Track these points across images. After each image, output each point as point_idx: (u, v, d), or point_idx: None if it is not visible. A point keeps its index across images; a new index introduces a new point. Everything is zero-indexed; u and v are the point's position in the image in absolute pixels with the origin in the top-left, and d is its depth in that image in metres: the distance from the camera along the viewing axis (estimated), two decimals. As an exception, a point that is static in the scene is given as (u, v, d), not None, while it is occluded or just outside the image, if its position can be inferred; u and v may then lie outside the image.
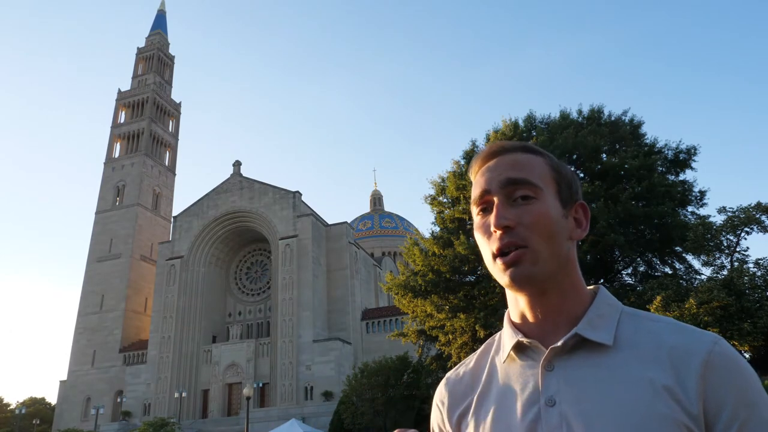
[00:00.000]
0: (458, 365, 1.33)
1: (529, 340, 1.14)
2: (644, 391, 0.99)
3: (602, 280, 27.37)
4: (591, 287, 1.21)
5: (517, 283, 1.11)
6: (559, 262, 1.13)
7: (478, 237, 1.18)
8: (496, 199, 1.15)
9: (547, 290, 1.13)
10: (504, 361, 1.18)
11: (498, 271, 1.13)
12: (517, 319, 1.19)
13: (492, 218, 1.13)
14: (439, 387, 1.33)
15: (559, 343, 1.09)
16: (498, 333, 1.29)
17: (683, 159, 28.73)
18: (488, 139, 29.98)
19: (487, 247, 1.15)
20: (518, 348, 1.16)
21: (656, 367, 1.02)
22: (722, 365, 1.00)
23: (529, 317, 1.16)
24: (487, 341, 1.29)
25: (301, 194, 66.73)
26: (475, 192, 1.21)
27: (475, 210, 1.21)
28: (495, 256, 1.13)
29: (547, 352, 1.10)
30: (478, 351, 1.29)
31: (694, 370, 1.00)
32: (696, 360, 1.00)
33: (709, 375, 0.99)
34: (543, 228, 1.12)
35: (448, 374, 1.33)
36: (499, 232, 1.12)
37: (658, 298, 20.06)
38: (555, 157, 1.26)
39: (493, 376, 1.20)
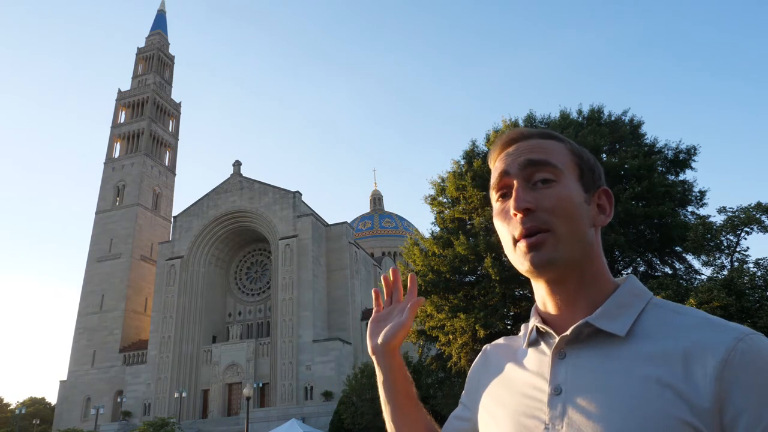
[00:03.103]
0: (504, 338, 1.32)
1: (544, 327, 1.13)
2: (649, 388, 0.94)
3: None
4: (622, 277, 1.16)
5: (538, 268, 1.06)
6: (582, 249, 1.08)
7: (498, 223, 1.15)
8: (515, 182, 1.11)
9: (568, 278, 1.09)
10: (524, 346, 1.19)
11: (518, 256, 1.08)
12: (541, 307, 1.17)
13: (511, 201, 1.09)
14: (481, 352, 1.34)
15: (568, 332, 1.06)
16: None
17: (683, 159, 28.70)
18: (488, 140, 29.98)
19: (507, 232, 1.11)
20: (537, 333, 1.16)
21: (667, 364, 0.95)
22: (745, 363, 0.90)
23: (551, 305, 1.13)
24: (523, 323, 1.26)
25: (301, 194, 66.74)
26: (493, 176, 1.17)
27: (494, 196, 1.17)
28: (516, 240, 1.08)
29: (558, 340, 1.07)
30: (521, 330, 1.27)
31: (710, 368, 0.91)
32: (714, 358, 0.92)
33: (728, 374, 0.90)
34: (564, 212, 1.07)
35: (495, 342, 1.33)
36: (519, 216, 1.07)
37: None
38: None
39: (513, 359, 1.21)
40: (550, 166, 1.11)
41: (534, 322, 1.16)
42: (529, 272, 1.09)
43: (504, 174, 1.14)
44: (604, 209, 1.16)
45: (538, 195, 1.08)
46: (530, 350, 1.17)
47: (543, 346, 1.13)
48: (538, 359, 1.13)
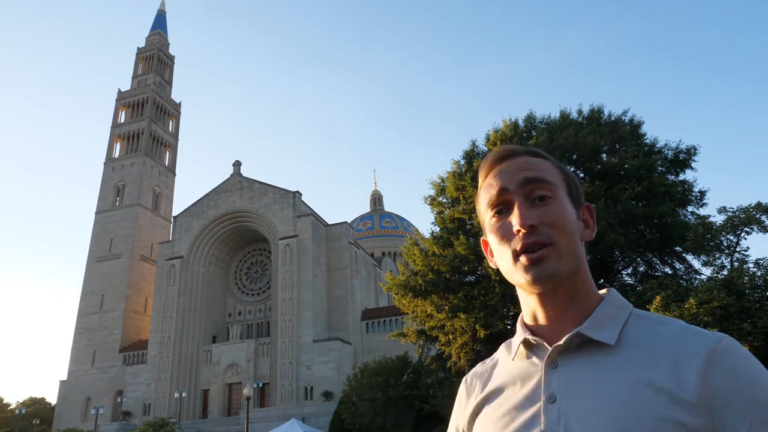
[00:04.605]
0: (480, 364, 1.36)
1: (535, 339, 1.17)
2: (643, 392, 1.00)
3: (602, 280, 27.37)
4: (603, 290, 1.23)
5: (539, 281, 1.11)
6: (577, 262, 1.15)
7: (494, 239, 1.19)
8: (516, 200, 1.16)
9: (560, 290, 1.15)
10: (513, 359, 1.22)
11: (519, 269, 1.13)
12: (528, 320, 1.22)
13: (515, 218, 1.14)
14: (461, 386, 1.38)
15: (561, 342, 1.11)
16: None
17: (683, 159, 28.72)
18: (488, 139, 29.98)
19: (506, 248, 1.16)
20: (526, 346, 1.19)
21: (657, 369, 1.02)
22: (726, 364, 0.99)
23: (540, 317, 1.18)
24: (504, 342, 1.31)
25: (301, 194, 66.73)
26: (490, 193, 1.21)
27: (489, 213, 1.21)
28: (518, 254, 1.13)
29: (551, 350, 1.12)
30: (498, 350, 1.32)
31: (695, 370, 0.99)
32: (697, 360, 1.00)
33: (711, 375, 0.98)
34: (563, 226, 1.14)
35: (472, 371, 1.37)
36: (523, 232, 1.12)
37: (658, 298, 20.01)
38: (556, 159, 1.29)
39: (502, 374, 1.24)
40: (547, 183, 1.17)
41: (523, 334, 1.20)
42: (530, 284, 1.13)
43: (503, 191, 1.18)
44: (588, 224, 1.24)
45: (539, 212, 1.14)
46: (519, 363, 1.21)
47: (533, 357, 1.17)
48: (529, 370, 1.17)
